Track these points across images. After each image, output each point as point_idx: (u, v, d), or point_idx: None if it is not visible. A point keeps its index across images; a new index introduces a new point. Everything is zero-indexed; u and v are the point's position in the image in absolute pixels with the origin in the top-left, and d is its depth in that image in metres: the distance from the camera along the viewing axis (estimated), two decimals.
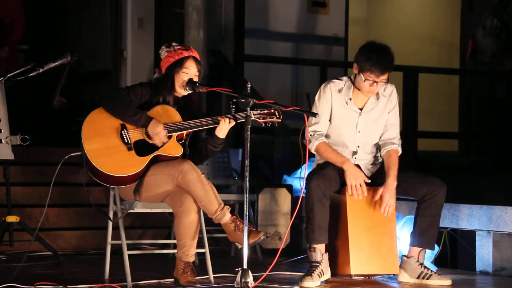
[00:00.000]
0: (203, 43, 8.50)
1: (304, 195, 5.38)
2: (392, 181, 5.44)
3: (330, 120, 5.54)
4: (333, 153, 5.49)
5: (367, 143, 5.59)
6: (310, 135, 5.49)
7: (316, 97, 5.55)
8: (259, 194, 7.04)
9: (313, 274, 5.32)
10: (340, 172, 5.45)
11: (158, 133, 4.99)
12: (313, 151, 5.52)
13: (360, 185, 5.41)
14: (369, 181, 5.49)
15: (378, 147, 5.64)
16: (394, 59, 5.42)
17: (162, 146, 5.02)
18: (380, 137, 5.62)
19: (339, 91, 5.52)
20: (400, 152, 5.60)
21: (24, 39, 8.70)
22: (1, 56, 8.27)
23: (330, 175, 5.41)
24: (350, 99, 5.51)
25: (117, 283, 5.06)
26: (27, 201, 7.09)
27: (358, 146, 5.56)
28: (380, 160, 5.67)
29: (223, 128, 5.09)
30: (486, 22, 10.81)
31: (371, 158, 5.63)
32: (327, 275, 5.40)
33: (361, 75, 5.37)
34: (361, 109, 5.54)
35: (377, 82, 5.37)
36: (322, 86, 5.56)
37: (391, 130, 5.61)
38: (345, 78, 5.58)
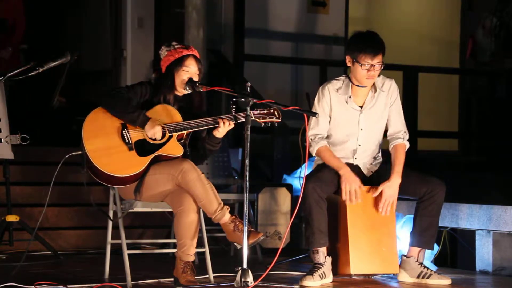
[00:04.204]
0: (203, 42, 8.51)
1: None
2: (395, 178, 5.41)
3: (330, 121, 5.54)
4: (331, 158, 5.47)
5: (370, 141, 5.57)
6: (311, 139, 5.48)
7: (316, 100, 5.54)
8: (259, 194, 7.04)
9: (314, 274, 5.32)
10: (338, 174, 5.45)
11: (154, 134, 4.98)
12: (314, 155, 5.52)
13: (355, 191, 5.40)
14: (365, 188, 5.47)
15: (379, 146, 5.64)
16: (384, 43, 5.41)
17: (162, 146, 5.02)
18: (386, 133, 5.62)
19: (338, 90, 5.52)
20: (407, 146, 5.56)
21: (24, 39, 8.70)
22: (3, 57, 8.28)
23: (327, 177, 5.40)
24: (350, 97, 5.50)
25: (117, 282, 5.05)
26: (27, 200, 7.10)
27: (360, 145, 5.55)
28: (380, 159, 5.67)
29: (222, 130, 5.09)
30: (486, 21, 10.80)
31: (371, 157, 5.63)
32: (329, 278, 5.39)
33: (356, 63, 5.36)
34: (361, 107, 5.54)
35: (373, 66, 5.36)
36: (321, 88, 5.55)
37: (395, 124, 5.57)
38: (342, 77, 5.57)
